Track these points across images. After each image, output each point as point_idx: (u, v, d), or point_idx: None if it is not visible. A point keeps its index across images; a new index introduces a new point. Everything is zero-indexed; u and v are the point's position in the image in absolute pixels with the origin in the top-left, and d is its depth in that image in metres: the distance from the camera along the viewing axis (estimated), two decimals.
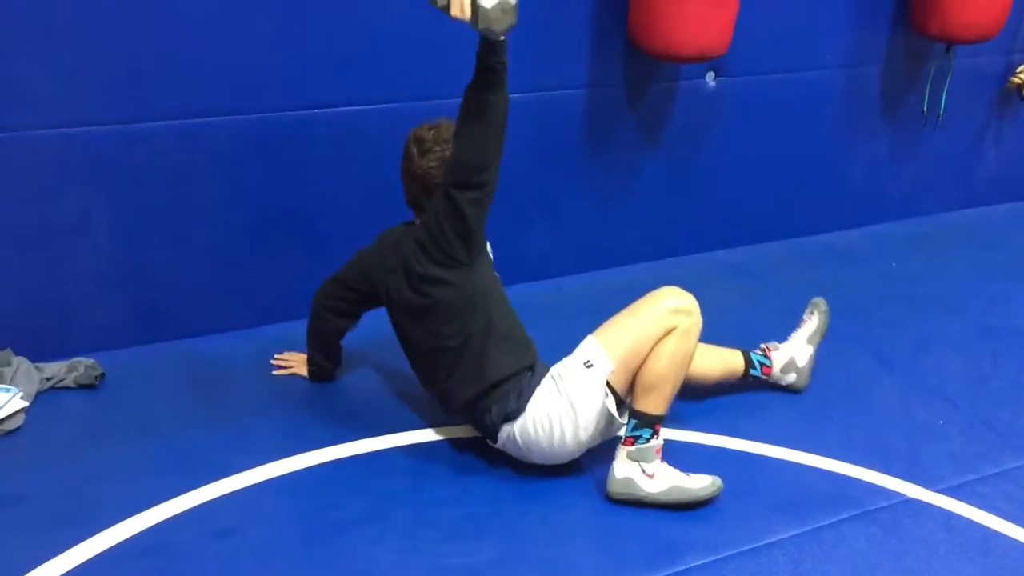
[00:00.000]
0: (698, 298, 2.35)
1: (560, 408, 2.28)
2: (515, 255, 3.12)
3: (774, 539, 2.20)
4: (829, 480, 2.42)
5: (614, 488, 2.30)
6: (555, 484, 2.36)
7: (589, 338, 2.35)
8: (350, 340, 2.69)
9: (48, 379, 2.64)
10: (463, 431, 2.52)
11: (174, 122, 2.67)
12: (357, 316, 2.60)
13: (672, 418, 2.45)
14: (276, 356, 2.81)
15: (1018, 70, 3.92)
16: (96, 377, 2.66)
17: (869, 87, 3.74)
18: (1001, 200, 4.21)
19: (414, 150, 2.34)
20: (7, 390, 2.53)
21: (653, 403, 2.27)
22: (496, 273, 2.46)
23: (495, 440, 2.37)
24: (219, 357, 2.84)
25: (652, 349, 2.28)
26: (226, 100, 2.72)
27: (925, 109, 3.79)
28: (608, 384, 2.28)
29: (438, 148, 2.31)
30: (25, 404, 2.53)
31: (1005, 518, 2.30)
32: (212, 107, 2.71)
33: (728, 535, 2.21)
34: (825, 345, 3.03)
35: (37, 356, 2.70)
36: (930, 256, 3.74)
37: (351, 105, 2.86)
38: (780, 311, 3.22)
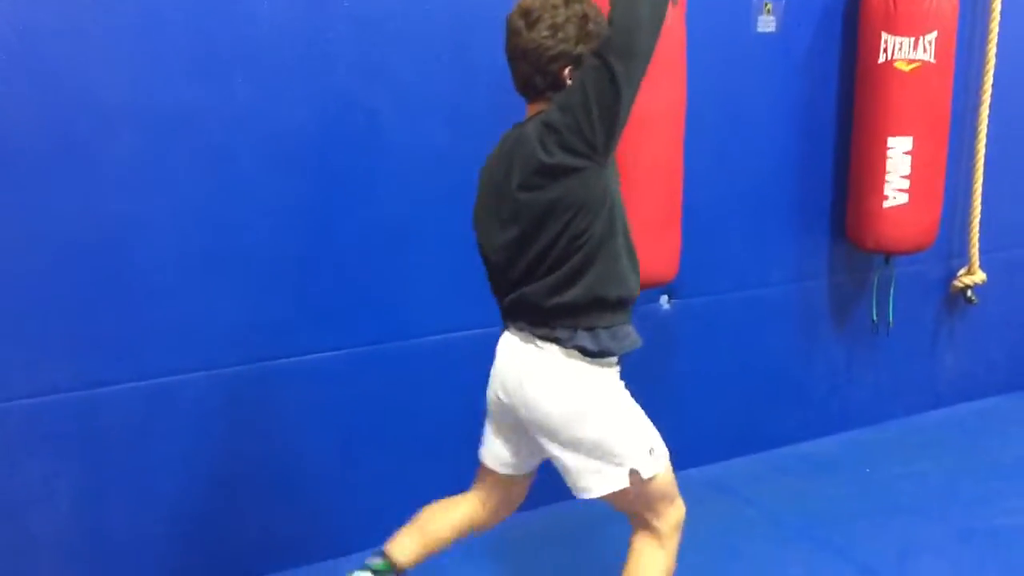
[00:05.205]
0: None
1: (614, 413, 2.14)
2: None
3: None
4: None
5: None
6: None
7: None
8: None
9: None
10: None
11: (138, 384, 2.69)
12: None
13: None
14: None
15: (959, 274, 4.08)
16: None
17: (819, 299, 3.86)
18: (963, 399, 4.26)
19: (520, 24, 2.04)
20: None
21: None
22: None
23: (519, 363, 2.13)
24: None
25: (635, 558, 2.20)
26: (189, 358, 2.75)
27: (875, 318, 3.91)
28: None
29: (547, 15, 2.02)
30: None
31: None
32: (175, 366, 2.73)
33: None
34: (807, 557, 2.99)
35: None
36: (902, 461, 3.74)
37: (316, 352, 2.91)
38: (762, 524, 3.20)
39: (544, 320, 2.09)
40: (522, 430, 2.24)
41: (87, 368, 2.64)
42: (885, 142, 3.47)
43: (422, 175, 2.95)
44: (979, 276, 4.05)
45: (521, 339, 2.15)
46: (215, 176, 2.71)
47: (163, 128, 2.62)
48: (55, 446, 2.64)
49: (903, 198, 3.48)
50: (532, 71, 2.06)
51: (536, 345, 2.11)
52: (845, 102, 3.66)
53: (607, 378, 2.15)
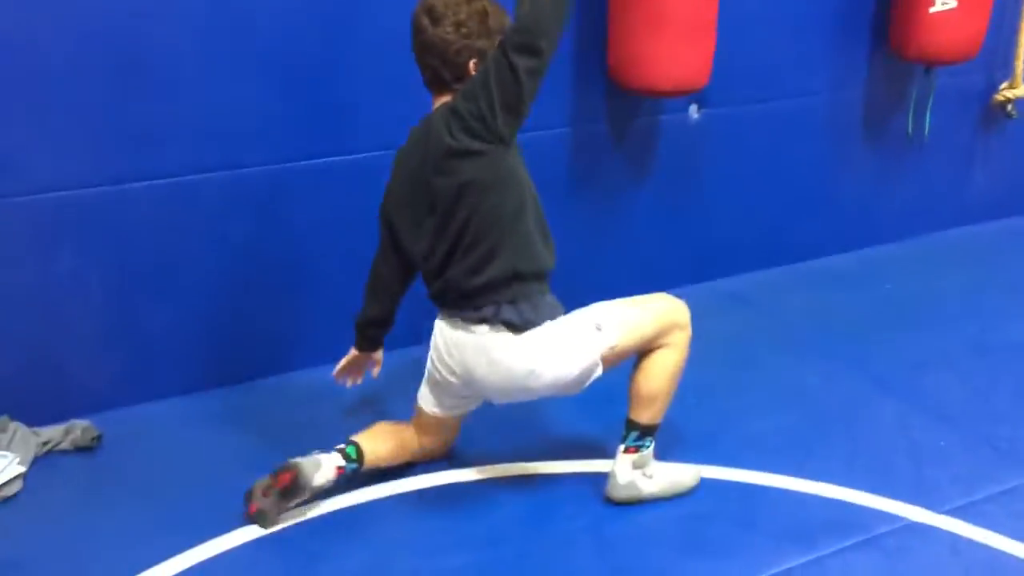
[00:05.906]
0: (698, 328, 2.39)
1: (557, 350, 2.24)
2: None
3: (778, 570, 2.17)
4: (831, 507, 2.40)
5: (618, 493, 2.38)
6: (554, 517, 2.37)
7: (602, 305, 2.33)
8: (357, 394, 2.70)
9: (45, 443, 2.63)
10: (460, 475, 2.51)
11: (162, 181, 2.69)
12: (406, 264, 2.42)
13: (668, 450, 2.47)
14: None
15: (1001, 87, 3.94)
16: (93, 439, 2.66)
17: (853, 111, 3.76)
18: (992, 217, 4.20)
19: (425, 21, 2.17)
20: (4, 456, 2.53)
21: (654, 414, 2.35)
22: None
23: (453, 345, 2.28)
24: (214, 414, 2.82)
25: (649, 359, 2.32)
26: (212, 157, 2.74)
27: (910, 130, 3.80)
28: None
29: (450, 12, 2.15)
30: (22, 470, 2.52)
31: (1012, 537, 2.27)
32: (199, 164, 2.73)
33: (733, 567, 2.19)
34: (823, 369, 3.04)
35: (33, 421, 2.69)
36: (924, 276, 3.73)
37: (332, 156, 2.89)
38: (781, 336, 3.25)
39: (470, 301, 2.22)
40: (478, 395, 2.40)
41: (110, 162, 2.63)
42: None
43: None
44: (1022, 89, 3.91)
45: (451, 326, 2.29)
46: None
47: None
48: (82, 238, 2.67)
49: (951, 3, 3.31)
50: (439, 65, 2.19)
51: (467, 330, 2.25)
52: None
53: (537, 335, 2.23)
